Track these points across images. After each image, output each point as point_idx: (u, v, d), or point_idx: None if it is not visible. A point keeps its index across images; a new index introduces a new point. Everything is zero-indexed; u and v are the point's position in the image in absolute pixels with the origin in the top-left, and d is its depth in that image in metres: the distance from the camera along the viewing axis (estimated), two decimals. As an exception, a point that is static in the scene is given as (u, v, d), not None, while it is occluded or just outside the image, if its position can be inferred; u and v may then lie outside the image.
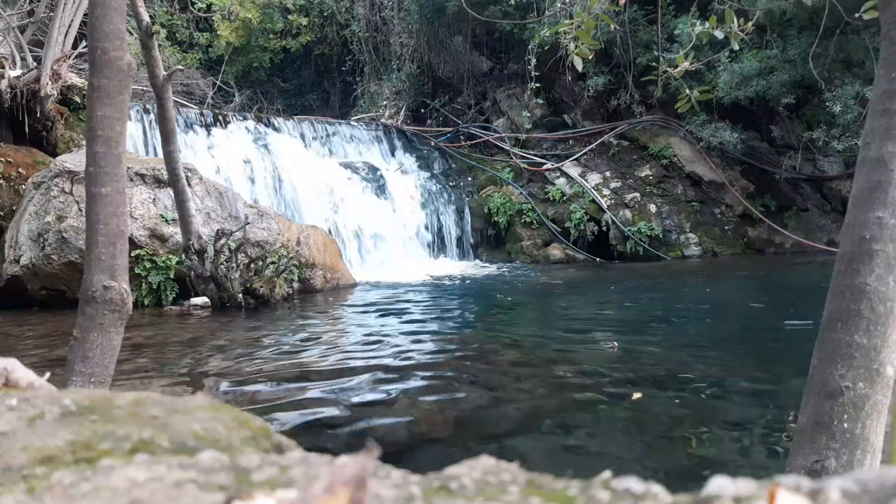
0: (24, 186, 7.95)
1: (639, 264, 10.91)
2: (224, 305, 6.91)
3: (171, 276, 7.31)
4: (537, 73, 12.20)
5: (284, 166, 10.48)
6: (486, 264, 11.41)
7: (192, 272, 6.81)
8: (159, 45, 9.05)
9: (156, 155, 8.97)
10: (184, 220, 6.47)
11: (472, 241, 12.07)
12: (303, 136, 11.80)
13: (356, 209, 10.71)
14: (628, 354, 4.74)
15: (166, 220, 7.41)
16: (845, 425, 1.48)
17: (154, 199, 7.54)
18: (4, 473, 0.52)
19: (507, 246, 12.01)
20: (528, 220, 11.89)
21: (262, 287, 7.13)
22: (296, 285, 7.94)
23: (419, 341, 5.36)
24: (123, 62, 2.50)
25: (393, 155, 13.06)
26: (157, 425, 0.62)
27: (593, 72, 12.07)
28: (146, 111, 9.72)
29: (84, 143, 5.82)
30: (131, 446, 0.57)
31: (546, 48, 11.76)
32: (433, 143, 13.64)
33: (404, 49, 14.78)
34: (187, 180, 6.73)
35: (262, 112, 14.64)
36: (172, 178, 6.27)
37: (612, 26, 8.46)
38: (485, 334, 5.68)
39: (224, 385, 4.17)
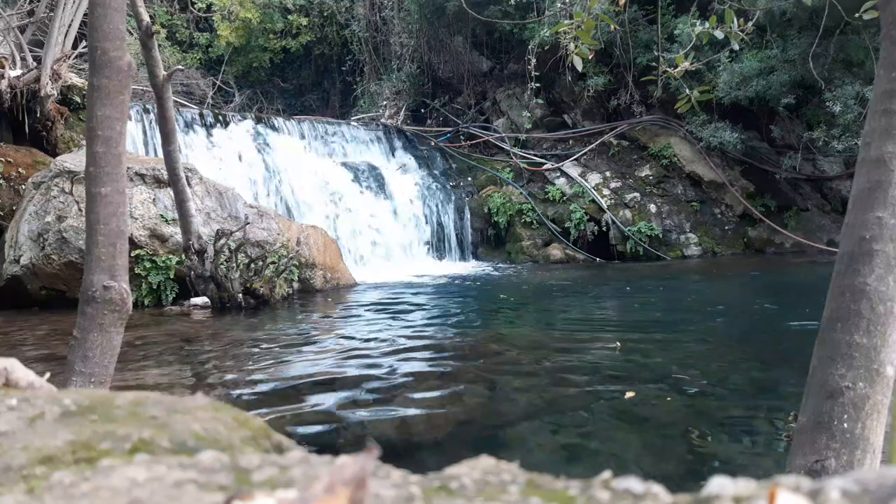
0: (24, 186, 7.95)
1: (639, 264, 10.91)
2: (224, 305, 6.91)
3: (171, 276, 7.31)
4: (537, 73, 12.20)
5: (284, 166, 10.48)
6: (486, 264, 11.41)
7: (192, 272, 6.81)
8: (159, 45, 9.05)
9: (156, 155, 8.98)
10: (184, 220, 6.47)
11: (472, 241, 12.07)
12: (303, 136, 11.80)
13: (356, 209, 10.71)
14: (629, 354, 4.74)
15: (166, 220, 7.41)
16: (845, 425, 1.48)
17: (154, 199, 7.54)
18: (4, 473, 0.52)
19: (507, 246, 12.01)
20: (528, 220, 11.89)
21: (262, 287, 7.13)
22: (296, 285, 7.94)
23: (419, 341, 5.36)
24: (123, 62, 2.50)
25: (393, 155, 13.06)
26: (157, 425, 0.62)
27: (593, 72, 12.07)
28: (146, 111, 9.72)
29: (84, 143, 5.83)
30: (131, 446, 0.57)
31: (546, 48, 11.77)
32: (433, 143, 13.64)
33: (404, 49, 14.78)
34: (187, 180, 6.73)
35: (262, 112, 14.64)
36: (172, 178, 6.27)
37: (612, 26, 8.47)
38: (485, 334, 5.68)
39: (224, 385, 4.17)
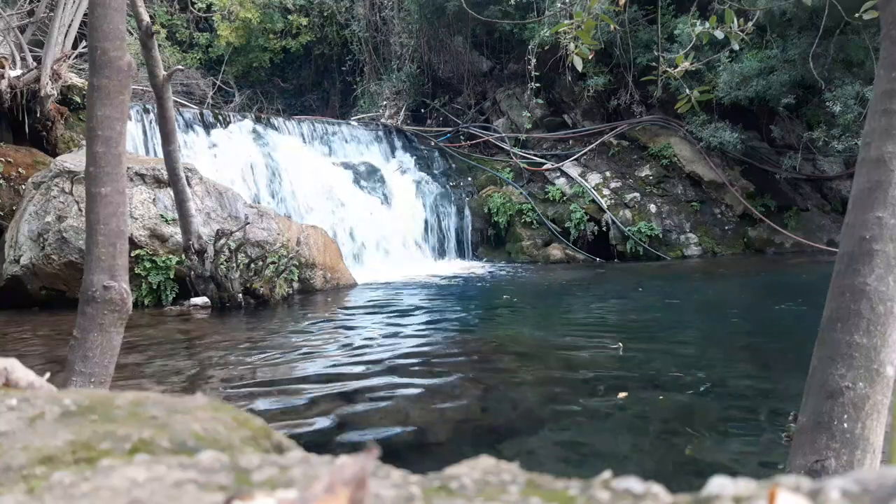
0: (24, 186, 7.95)
1: (639, 264, 10.91)
2: (224, 305, 6.91)
3: (171, 276, 7.31)
4: (537, 73, 12.20)
5: (284, 166, 10.48)
6: (486, 264, 11.41)
7: (192, 272, 6.81)
8: (159, 45, 9.05)
9: (156, 155, 8.97)
10: (184, 220, 6.47)
11: (471, 240, 12.08)
12: (303, 136, 11.80)
13: (356, 209, 10.71)
14: (629, 354, 4.74)
15: (166, 220, 7.41)
16: (845, 425, 1.48)
17: (154, 199, 7.54)
18: (4, 473, 0.52)
19: (507, 246, 12.01)
20: (528, 220, 11.89)
21: (262, 287, 7.13)
22: (296, 285, 7.94)
23: (419, 341, 5.36)
24: (123, 62, 2.50)
25: (393, 155, 13.06)
26: (157, 425, 0.62)
27: (593, 72, 12.07)
28: (146, 111, 9.72)
29: (84, 143, 5.83)
30: (131, 446, 0.57)
31: (546, 48, 11.76)
32: (433, 143, 13.64)
33: (404, 49, 14.78)
34: (187, 180, 6.73)
35: (262, 112, 14.63)
36: (172, 178, 6.27)
37: (612, 26, 8.47)
38: (485, 334, 5.68)
39: (224, 385, 4.17)
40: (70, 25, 9.15)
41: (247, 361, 4.77)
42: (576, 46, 3.52)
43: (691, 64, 3.79)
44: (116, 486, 0.47)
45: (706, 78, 10.55)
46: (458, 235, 11.99)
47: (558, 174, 12.43)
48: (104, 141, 2.45)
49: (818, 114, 10.79)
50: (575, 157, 12.52)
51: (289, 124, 11.81)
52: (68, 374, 2.40)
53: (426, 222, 11.67)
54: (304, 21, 16.59)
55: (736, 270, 9.96)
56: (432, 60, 14.48)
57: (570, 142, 13.00)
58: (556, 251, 11.52)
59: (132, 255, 6.70)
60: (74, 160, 7.43)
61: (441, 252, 11.69)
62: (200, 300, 7.14)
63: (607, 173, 12.27)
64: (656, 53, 9.70)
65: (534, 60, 12.08)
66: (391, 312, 6.72)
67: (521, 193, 12.15)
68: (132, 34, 8.88)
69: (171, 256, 7.32)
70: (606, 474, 0.47)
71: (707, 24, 3.55)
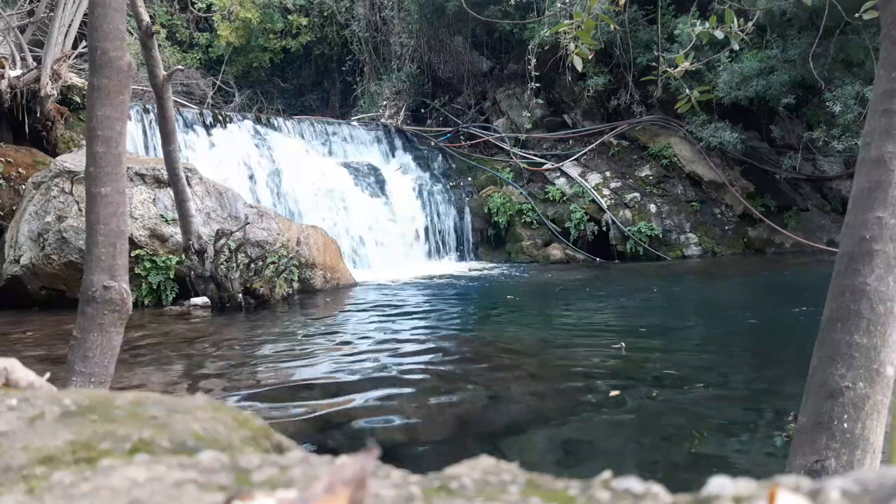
0: (24, 186, 7.95)
1: (639, 264, 10.91)
2: (224, 305, 6.91)
3: (171, 276, 7.31)
4: (537, 73, 12.20)
5: (284, 166, 10.48)
6: (486, 264, 11.41)
7: (192, 272, 6.81)
8: (159, 45, 9.05)
9: (156, 155, 8.97)
10: (184, 220, 6.47)
11: (472, 241, 12.07)
12: (303, 136, 11.80)
13: (356, 209, 10.71)
14: (629, 354, 4.74)
15: (166, 220, 7.41)
16: (845, 425, 1.48)
17: (154, 199, 7.54)
18: (4, 473, 0.52)
19: (507, 246, 12.01)
20: (528, 220, 11.89)
21: (262, 287, 7.13)
22: (296, 285, 7.94)
23: (419, 341, 5.36)
24: (123, 62, 2.50)
25: (393, 155, 13.06)
26: (157, 425, 0.62)
27: (593, 72, 12.07)
28: (146, 111, 9.72)
29: (84, 143, 5.83)
30: (131, 446, 0.57)
31: (546, 48, 11.76)
32: (433, 143, 13.64)
33: (404, 49, 14.78)
34: (187, 180, 6.73)
35: (262, 112, 14.64)
36: (172, 178, 6.27)
37: (612, 26, 8.47)
38: (485, 334, 5.68)
39: (223, 385, 4.17)
40: (70, 25, 9.15)
41: (247, 361, 4.77)
42: (576, 46, 3.52)
43: (691, 64, 3.79)
44: (116, 486, 0.47)
45: (706, 78, 10.55)
46: (458, 235, 11.99)
47: (558, 174, 12.43)
48: (104, 141, 2.45)
49: (818, 114, 10.79)
50: (575, 157, 12.52)
51: (289, 124, 11.81)
52: (68, 374, 2.40)
53: (426, 222, 11.67)
54: (304, 21, 16.59)
55: (736, 270, 9.96)
56: (432, 60, 14.48)
57: (570, 142, 13.00)
58: (556, 251, 11.52)
59: (132, 255, 6.70)
60: (74, 160, 7.43)
61: (441, 252, 11.69)
62: (200, 300, 7.14)
63: (607, 173, 12.27)
64: (656, 53, 9.70)
65: (534, 60, 12.08)
66: (391, 312, 6.72)
67: (521, 193, 12.15)
68: (132, 34, 8.88)
69: (171, 256, 7.32)
70: (606, 474, 0.47)
71: (707, 24, 3.55)
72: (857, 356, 1.48)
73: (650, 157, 12.31)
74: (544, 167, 12.54)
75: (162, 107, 6.06)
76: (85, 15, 8.48)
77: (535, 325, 6.19)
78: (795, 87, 10.54)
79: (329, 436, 3.28)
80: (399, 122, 14.12)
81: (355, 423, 3.45)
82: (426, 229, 11.65)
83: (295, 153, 10.99)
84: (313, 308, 7.30)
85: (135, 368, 4.58)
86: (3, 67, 8.64)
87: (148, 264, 7.21)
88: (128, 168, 5.66)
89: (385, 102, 14.89)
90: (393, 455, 2.97)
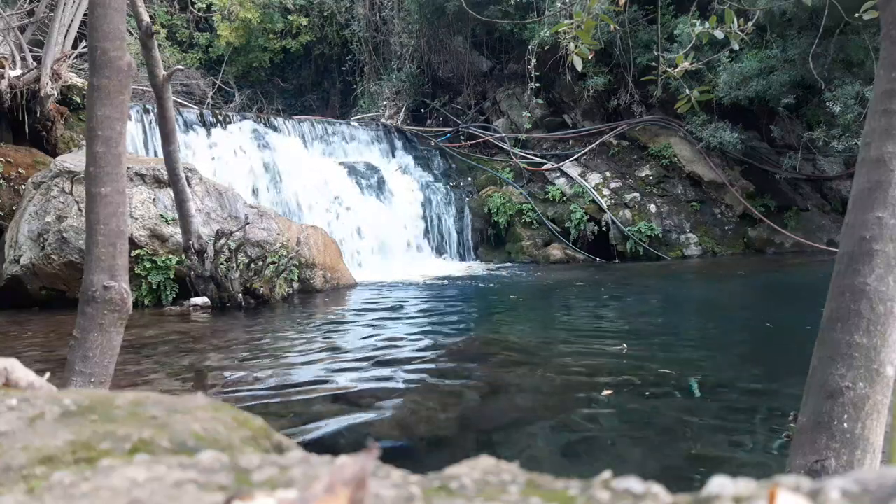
0: (24, 186, 7.95)
1: (639, 264, 10.91)
2: (224, 305, 6.91)
3: (171, 276, 7.31)
4: (537, 73, 12.20)
5: (284, 166, 10.48)
6: (486, 264, 11.41)
7: (192, 272, 6.81)
8: (159, 45, 9.05)
9: (156, 155, 8.97)
10: (184, 220, 6.47)
11: (472, 241, 12.07)
12: (303, 136, 11.80)
13: (356, 209, 10.71)
14: (629, 354, 4.74)
15: (166, 220, 7.41)
16: (845, 425, 1.48)
17: (154, 199, 7.54)
18: (4, 473, 0.52)
19: (507, 246, 12.01)
20: (528, 220, 11.89)
21: (262, 287, 7.13)
22: (296, 285, 7.94)
23: (419, 341, 5.36)
24: (123, 62, 2.50)
25: (393, 155, 13.06)
26: (157, 425, 0.62)
27: (593, 72, 12.07)
28: (146, 111, 9.72)
29: (84, 143, 5.83)
30: (131, 446, 0.57)
31: (546, 48, 11.76)
32: (433, 143, 13.64)
33: (404, 49, 14.78)
34: (187, 180, 6.73)
35: (262, 112, 14.64)
36: (172, 178, 6.27)
37: (611, 26, 8.47)
38: (485, 334, 5.68)
39: (223, 385, 4.17)
40: (70, 25, 9.15)
41: (247, 361, 4.77)
42: (576, 46, 3.52)
43: (691, 64, 3.79)
44: (116, 486, 0.47)
45: (706, 78, 10.55)
46: (458, 235, 11.99)
47: (558, 174, 12.43)
48: (104, 141, 2.45)
49: (818, 114, 10.79)
50: (575, 157, 12.52)
51: (289, 124, 11.81)
52: (68, 374, 2.40)
53: (426, 222, 11.67)
54: (304, 21, 16.59)
55: (735, 270, 9.95)
56: (432, 60, 14.48)
57: (570, 142, 13.00)
58: (556, 251, 11.52)
59: (132, 255, 6.70)
60: (74, 160, 7.43)
61: (441, 252, 11.69)
62: (200, 300, 7.14)
63: (607, 173, 12.27)
64: (656, 53, 9.70)
65: (534, 60, 12.08)
66: (391, 312, 6.72)
67: (521, 193, 12.15)
68: (132, 34, 8.88)
69: (171, 256, 7.32)
70: (606, 474, 0.47)
71: (707, 24, 3.55)
72: (857, 356, 1.48)
73: (650, 157, 12.31)
74: (544, 167, 12.54)
75: (162, 107, 6.06)
76: (85, 15, 8.48)
77: (536, 325, 6.19)
78: (795, 87, 10.54)
79: (329, 436, 3.28)
80: (399, 122, 14.12)
81: (355, 422, 3.45)
82: (426, 229, 11.65)
83: (295, 153, 10.99)
84: (313, 308, 7.30)
85: (135, 368, 4.58)
86: (3, 67, 8.64)
87: (148, 264, 7.21)
88: (128, 168, 5.66)
89: (385, 102, 14.89)
90: (393, 455, 2.97)
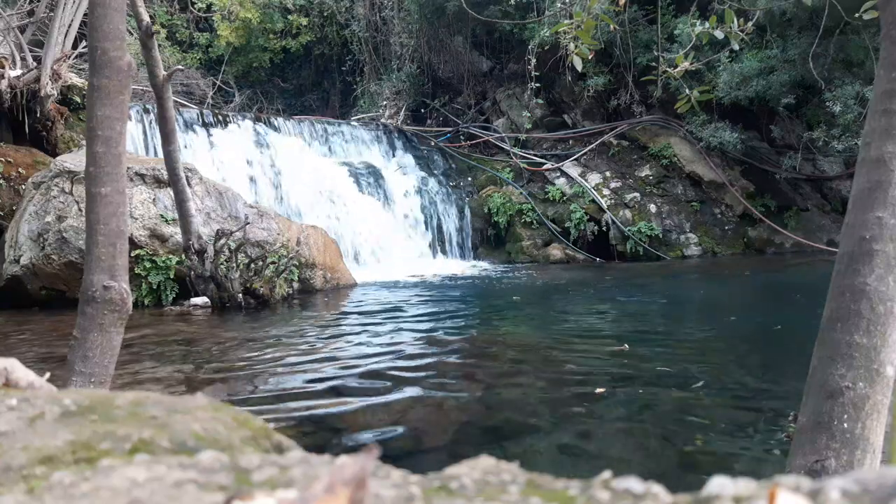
0: (24, 186, 7.95)
1: (639, 264, 10.91)
2: (224, 305, 6.91)
3: (171, 276, 7.31)
4: (537, 73, 12.20)
5: (284, 166, 10.48)
6: (486, 264, 11.41)
7: (192, 272, 6.81)
8: (159, 45, 9.05)
9: (156, 155, 8.98)
10: (184, 220, 6.47)
11: (472, 241, 12.07)
12: (303, 136, 11.80)
13: (356, 209, 10.71)
14: (629, 354, 4.74)
15: (166, 220, 7.41)
16: (845, 425, 1.48)
17: (154, 199, 7.54)
18: (4, 473, 0.52)
19: (507, 246, 12.01)
20: (528, 220, 11.89)
21: (262, 287, 7.13)
22: (296, 285, 7.94)
23: (419, 341, 5.36)
24: (123, 62, 2.50)
25: (393, 155, 13.06)
26: (157, 425, 0.62)
27: (593, 72, 12.07)
28: (146, 111, 9.72)
29: (84, 143, 5.83)
30: (131, 446, 0.57)
31: (546, 48, 11.76)
32: (433, 143, 13.64)
33: (404, 49, 14.78)
34: (187, 180, 6.73)
35: (262, 112, 14.64)
36: (172, 178, 6.27)
37: (611, 26, 8.47)
38: (485, 334, 5.68)
39: (223, 385, 4.17)
40: (70, 25, 9.15)
41: (247, 361, 4.77)
42: (576, 46, 3.52)
43: (691, 64, 3.79)
44: (116, 486, 0.47)
45: (706, 78, 10.55)
46: (458, 235, 11.99)
47: (558, 174, 12.43)
48: (104, 141, 2.45)
49: (818, 114, 10.79)
50: (575, 157, 12.52)
51: (289, 124, 11.81)
52: (68, 374, 2.40)
53: (426, 222, 11.67)
54: (304, 21, 16.59)
55: (736, 270, 9.95)
56: (432, 60, 14.48)
57: (570, 142, 13.00)
58: (556, 251, 11.52)
59: (132, 255, 6.71)
60: (74, 160, 7.43)
61: (441, 252, 11.69)
62: (200, 300, 7.14)
63: (607, 173, 12.27)
64: (656, 53, 9.70)
65: (534, 60, 12.08)
66: (391, 312, 6.72)
67: (521, 193, 12.15)
68: (132, 34, 8.88)
69: (171, 256, 7.32)
70: (606, 474, 0.47)
71: (707, 24, 3.55)
72: (857, 356, 1.48)
73: (650, 157, 12.31)
74: (544, 167, 12.54)
75: (162, 107, 6.06)
76: (85, 15, 8.48)
77: (536, 325, 6.19)
78: (795, 87, 10.54)
79: (329, 436, 3.28)
80: (399, 122, 14.12)
81: (355, 423, 3.45)
82: (426, 229, 11.65)
83: (295, 153, 10.99)
84: (313, 308, 7.30)
85: (135, 368, 4.58)
86: (3, 67, 8.64)
87: (148, 264, 7.21)
88: (128, 168, 5.66)
89: (385, 102, 14.89)
90: (393, 455, 2.97)
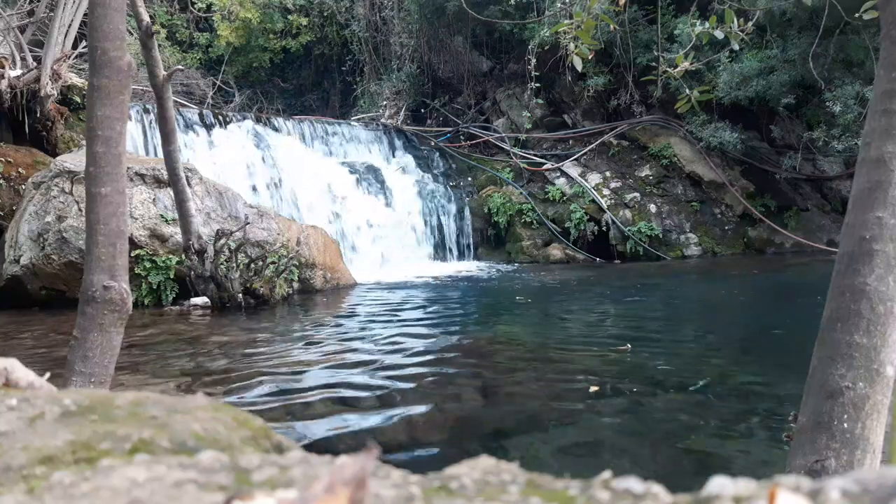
0: (24, 186, 7.95)
1: (639, 264, 10.91)
2: (224, 305, 6.91)
3: (171, 276, 7.31)
4: (537, 73, 12.20)
5: (284, 166, 10.48)
6: (486, 264, 11.41)
7: (192, 272, 6.81)
8: (159, 45, 9.04)
9: (156, 155, 8.97)
10: (184, 220, 6.47)
11: (472, 241, 12.07)
12: (303, 136, 11.80)
13: (356, 209, 10.71)
14: (629, 354, 4.74)
15: (166, 220, 7.41)
16: (845, 425, 1.48)
17: (154, 199, 7.54)
18: (4, 473, 0.52)
19: (507, 246, 12.01)
20: (528, 220, 11.89)
21: (262, 287, 7.13)
22: (296, 285, 7.94)
23: (419, 341, 5.36)
24: (123, 62, 2.50)
25: (393, 155, 13.06)
26: (157, 425, 0.62)
27: (593, 72, 12.07)
28: (146, 111, 9.72)
29: (84, 143, 5.83)
30: (131, 446, 0.57)
31: (546, 48, 11.76)
32: (433, 143, 13.64)
33: (404, 49, 14.78)
34: (187, 180, 6.73)
35: (262, 112, 14.63)
36: (172, 178, 6.27)
37: (611, 26, 8.47)
38: (485, 334, 5.68)
39: (223, 385, 4.17)
40: (70, 25, 9.15)
41: (247, 361, 4.77)
42: (576, 46, 3.52)
43: (691, 64, 3.79)
44: (116, 486, 0.47)
45: (706, 78, 10.55)
46: (458, 235, 11.99)
47: (558, 174, 12.43)
48: (104, 141, 2.45)
49: (818, 114, 10.79)
50: (575, 157, 12.52)
51: (289, 124, 11.81)
52: (68, 374, 2.40)
53: (426, 222, 11.67)
54: (304, 21, 16.59)
55: (736, 270, 9.95)
56: (432, 60, 14.48)
57: (570, 142, 13.00)
58: (556, 251, 11.52)
59: (132, 255, 6.71)
60: (74, 160, 7.43)
61: (441, 252, 11.69)
62: (200, 300, 7.14)
63: (607, 173, 12.27)
64: (656, 53, 9.70)
65: (534, 60, 12.08)
66: (391, 313, 6.72)
67: (521, 193, 12.15)
68: (132, 34, 8.88)
69: (171, 256, 7.32)
70: (606, 474, 0.47)
71: (707, 24, 3.55)
72: (857, 356, 1.48)
73: (650, 157, 12.31)
74: (544, 167, 12.54)
75: (162, 107, 6.06)
76: (85, 15, 8.48)
77: (536, 325, 6.19)
78: (795, 87, 10.54)
79: (329, 436, 3.28)
80: (399, 122, 14.12)
81: (355, 423, 3.45)
82: (426, 229, 11.65)
83: (295, 153, 10.99)
84: (313, 308, 7.30)
85: (135, 368, 4.58)
86: (3, 67, 8.64)
87: (148, 264, 7.21)
88: (128, 168, 5.66)
89: (385, 102, 14.89)
90: (393, 455, 2.97)
